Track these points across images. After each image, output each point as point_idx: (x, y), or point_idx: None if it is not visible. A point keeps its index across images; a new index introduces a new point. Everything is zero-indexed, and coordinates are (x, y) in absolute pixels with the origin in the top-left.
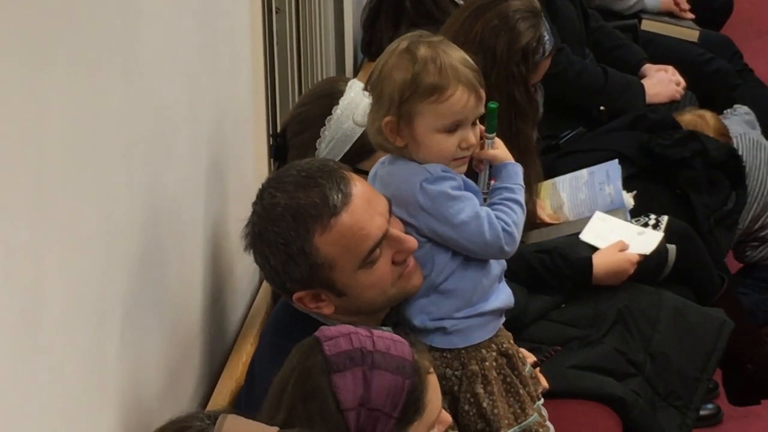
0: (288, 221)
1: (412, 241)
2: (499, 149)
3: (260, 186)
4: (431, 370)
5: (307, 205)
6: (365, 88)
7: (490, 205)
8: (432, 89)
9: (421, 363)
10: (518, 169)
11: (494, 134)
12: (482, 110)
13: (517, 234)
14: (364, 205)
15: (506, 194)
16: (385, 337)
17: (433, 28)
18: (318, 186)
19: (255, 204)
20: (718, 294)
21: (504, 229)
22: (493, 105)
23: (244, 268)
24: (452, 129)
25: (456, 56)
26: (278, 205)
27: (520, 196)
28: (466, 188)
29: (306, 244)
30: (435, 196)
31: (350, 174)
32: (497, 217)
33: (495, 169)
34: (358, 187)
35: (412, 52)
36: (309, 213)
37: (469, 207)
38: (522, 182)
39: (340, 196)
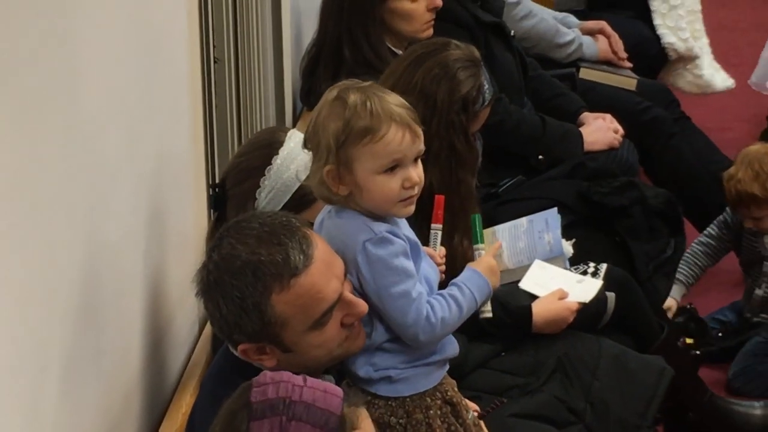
0: (247, 276)
1: (363, 306)
2: (482, 260)
3: (219, 233)
4: (362, 425)
5: (269, 263)
6: (304, 145)
7: (438, 294)
8: (365, 131)
9: (348, 418)
10: (481, 281)
11: (482, 245)
12: (420, 147)
13: (440, 330)
14: (323, 268)
15: (454, 290)
16: (317, 388)
17: (373, 78)
18: (281, 244)
19: (212, 251)
20: (657, 341)
21: (427, 317)
22: (475, 216)
23: (184, 318)
24: (392, 169)
25: (387, 97)
26: (238, 257)
27: (465, 305)
28: (413, 251)
29: (262, 300)
30: (374, 260)
31: (312, 233)
32: (429, 303)
33: (472, 272)
34: (319, 248)
35: (342, 98)
36: (270, 271)
37: (403, 284)
38: (478, 294)
39: (302, 257)
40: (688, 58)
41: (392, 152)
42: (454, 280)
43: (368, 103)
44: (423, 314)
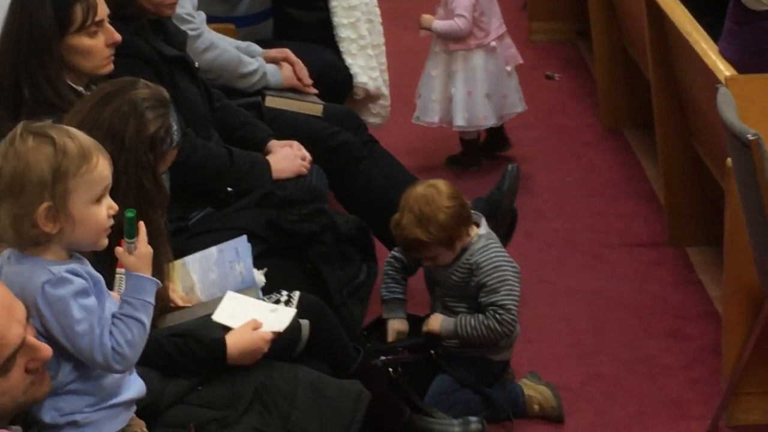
0: None
1: (47, 350)
2: (135, 258)
3: None
4: None
5: None
6: None
7: (113, 316)
8: (80, 160)
9: None
10: (147, 284)
11: (134, 239)
12: None
13: (130, 352)
14: (4, 313)
15: (127, 309)
16: None
17: (55, 117)
18: None
19: None
20: (354, 365)
21: (114, 349)
22: (130, 213)
23: None
24: (100, 198)
25: (78, 131)
26: None
27: (143, 314)
28: (96, 288)
29: None
30: (54, 301)
31: None
32: (111, 333)
33: (128, 277)
34: None
35: (43, 136)
36: None
37: (86, 321)
38: (150, 299)
39: None
40: (376, 96)
41: (104, 180)
42: (123, 295)
43: (73, 137)
44: (108, 347)
